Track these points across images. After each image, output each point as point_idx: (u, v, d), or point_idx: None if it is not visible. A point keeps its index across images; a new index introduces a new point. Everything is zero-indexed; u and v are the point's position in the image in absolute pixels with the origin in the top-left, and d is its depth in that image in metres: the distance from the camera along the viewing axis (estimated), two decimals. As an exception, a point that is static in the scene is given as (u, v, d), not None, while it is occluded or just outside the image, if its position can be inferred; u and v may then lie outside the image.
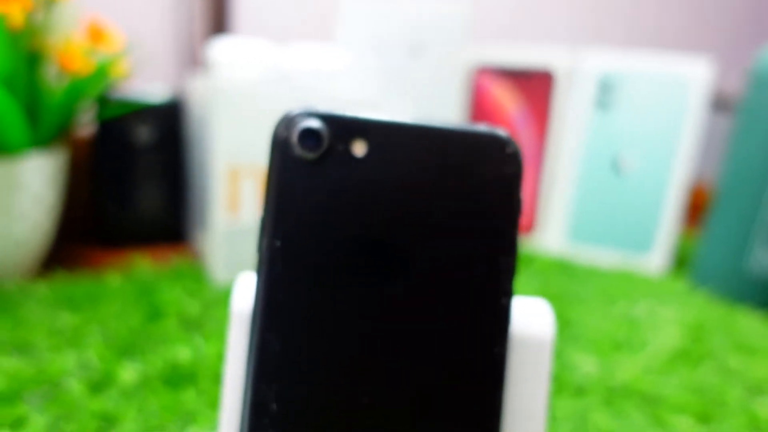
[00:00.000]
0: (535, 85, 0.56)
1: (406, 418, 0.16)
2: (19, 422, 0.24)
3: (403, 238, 0.16)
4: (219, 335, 0.32)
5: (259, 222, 0.16)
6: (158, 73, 0.55)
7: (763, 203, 0.46)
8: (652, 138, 0.53)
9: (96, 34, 0.38)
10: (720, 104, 0.69)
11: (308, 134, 0.15)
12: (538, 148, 0.58)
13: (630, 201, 0.55)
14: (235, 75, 0.41)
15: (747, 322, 0.44)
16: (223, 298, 0.37)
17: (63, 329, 0.32)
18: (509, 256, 0.16)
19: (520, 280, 0.47)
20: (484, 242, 0.16)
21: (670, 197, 0.54)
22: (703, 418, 0.30)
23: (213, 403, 0.26)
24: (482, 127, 0.16)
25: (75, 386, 0.27)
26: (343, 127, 0.16)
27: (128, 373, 0.28)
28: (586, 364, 0.35)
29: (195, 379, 0.28)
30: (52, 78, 0.38)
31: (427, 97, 0.54)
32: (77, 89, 0.38)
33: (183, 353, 0.30)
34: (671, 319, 0.43)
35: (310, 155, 0.16)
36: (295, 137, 0.15)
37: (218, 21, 0.55)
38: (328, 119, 0.16)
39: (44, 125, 0.37)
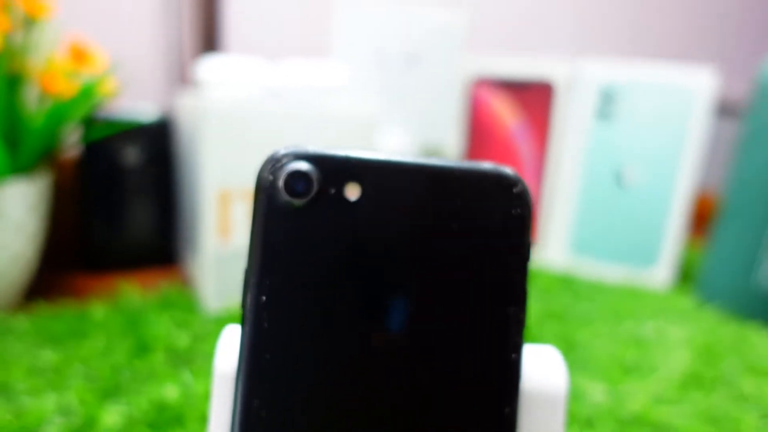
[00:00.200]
0: (534, 97, 0.55)
1: None
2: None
3: (403, 290, 0.14)
4: (208, 371, 0.31)
5: (243, 274, 0.15)
6: (147, 92, 0.54)
7: (772, 217, 0.45)
8: (655, 149, 0.52)
9: (79, 55, 0.37)
10: (725, 110, 0.68)
11: (296, 178, 0.14)
12: (538, 161, 0.56)
13: (634, 214, 0.54)
14: (225, 94, 0.39)
15: (759, 341, 0.42)
16: (213, 329, 0.36)
17: (44, 368, 0.30)
18: (518, 307, 0.15)
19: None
20: (491, 291, 0.14)
21: (674, 210, 0.52)
22: (720, 453, 0.28)
23: (200, 450, 0.25)
24: (487, 165, 0.15)
25: (54, 435, 0.25)
26: (334, 169, 0.14)
27: (111, 416, 0.27)
28: (595, 393, 0.34)
29: (182, 421, 0.27)
30: (34, 101, 0.37)
31: (423, 110, 0.53)
32: (60, 112, 0.37)
33: (170, 392, 0.29)
34: (680, 339, 0.41)
35: (299, 201, 0.14)
36: (281, 182, 0.14)
37: (208, 38, 0.53)
38: (318, 160, 0.14)
39: (25, 151, 0.36)
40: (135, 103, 0.50)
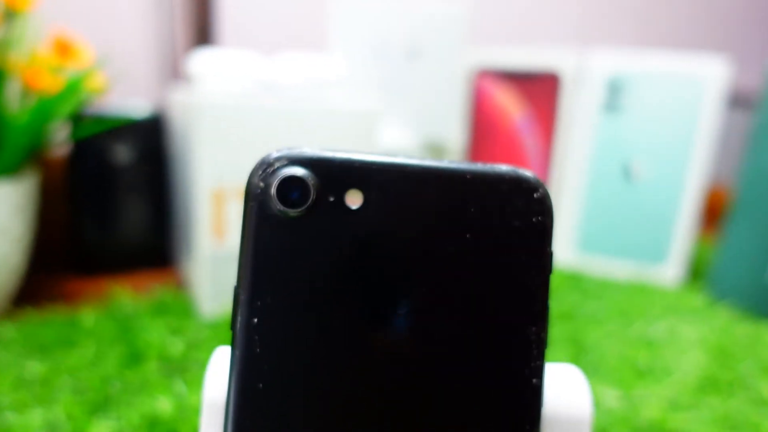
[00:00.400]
0: (539, 88, 0.53)
1: None
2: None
3: (411, 309, 0.13)
4: (203, 381, 0.29)
5: (232, 293, 0.13)
6: (138, 88, 0.52)
7: (789, 212, 0.43)
8: (665, 142, 0.50)
9: (63, 49, 0.35)
10: (737, 101, 0.66)
11: (291, 185, 0.13)
12: (544, 155, 0.55)
13: (642, 209, 0.52)
14: (218, 88, 0.37)
15: (775, 341, 0.41)
16: (209, 335, 0.34)
17: (30, 381, 0.29)
18: (540, 325, 0.13)
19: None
20: (510, 309, 0.13)
21: (685, 205, 0.51)
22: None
23: (194, 470, 0.23)
24: (504, 168, 0.13)
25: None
26: (334, 174, 0.13)
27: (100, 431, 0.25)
28: (608, 398, 0.32)
29: (176, 436, 0.25)
30: (17, 98, 0.35)
31: (425, 104, 0.51)
32: (45, 109, 0.35)
33: (163, 404, 0.27)
34: (693, 340, 0.40)
35: (294, 211, 0.13)
36: (274, 189, 0.12)
37: (202, 31, 0.52)
38: (315, 165, 0.13)
39: (9, 150, 0.34)
40: (126, 99, 0.48)
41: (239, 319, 0.13)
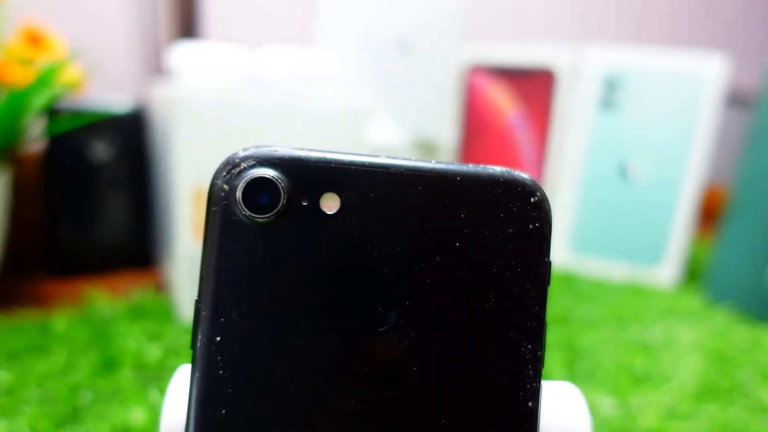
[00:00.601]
0: (534, 85, 0.52)
1: None
2: None
3: (394, 327, 0.12)
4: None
5: (193, 307, 0.12)
6: (121, 82, 0.50)
7: (788, 213, 0.42)
8: (661, 141, 0.50)
9: (34, 40, 0.33)
10: (735, 99, 0.65)
11: (259, 187, 0.11)
12: (538, 153, 0.53)
13: (638, 209, 0.51)
14: (200, 83, 0.36)
15: (774, 345, 0.40)
16: (188, 341, 0.33)
17: (-5, 390, 0.27)
18: (536, 342, 0.12)
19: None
20: (502, 325, 0.12)
21: (681, 205, 0.50)
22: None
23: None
24: (498, 169, 0.12)
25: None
26: (308, 176, 0.11)
27: (67, 447, 0.24)
28: (604, 407, 0.31)
29: (149, 450, 0.24)
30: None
31: (416, 100, 0.50)
32: (16, 102, 0.33)
33: (136, 415, 0.26)
34: (690, 344, 0.39)
35: (262, 216, 0.11)
36: (239, 192, 0.11)
37: (186, 24, 0.50)
38: (287, 165, 0.11)
39: (-23, 146, 0.32)
40: (108, 93, 0.46)
41: (200, 337, 0.11)
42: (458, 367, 0.12)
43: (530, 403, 0.12)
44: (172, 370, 0.30)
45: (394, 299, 0.11)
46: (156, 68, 0.51)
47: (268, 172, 0.11)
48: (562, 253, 0.54)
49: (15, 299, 0.38)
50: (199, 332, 0.11)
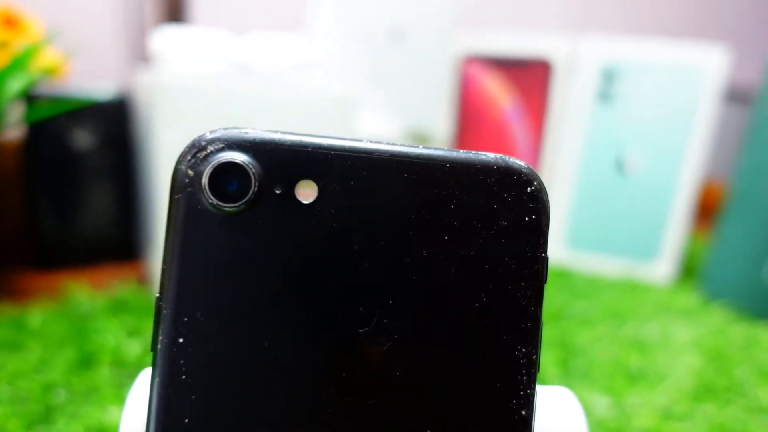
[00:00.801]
0: (530, 76, 0.51)
1: None
2: None
3: (376, 328, 0.11)
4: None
5: (154, 306, 0.11)
6: (106, 69, 0.49)
7: (787, 208, 0.42)
8: (659, 134, 0.49)
9: (10, 22, 0.32)
10: (734, 94, 0.64)
11: (227, 174, 0.10)
12: (533, 146, 0.52)
13: (635, 204, 0.50)
14: (184, 69, 0.34)
15: (771, 343, 0.39)
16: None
17: (-36, 389, 0.26)
18: (530, 345, 0.11)
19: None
20: (494, 326, 0.11)
21: (678, 200, 0.49)
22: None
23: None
24: (491, 156, 0.11)
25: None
26: (282, 161, 0.10)
27: (38, 449, 0.22)
28: (599, 407, 0.30)
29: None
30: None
31: (409, 90, 0.48)
32: (-9, 87, 0.32)
33: (112, 415, 0.25)
34: (687, 342, 0.38)
35: (230, 206, 0.10)
36: (205, 179, 0.10)
37: (172, 9, 0.48)
38: (259, 149, 0.10)
39: (-52, 132, 0.31)
40: (91, 80, 0.45)
41: (161, 338, 0.10)
42: (446, 372, 0.11)
43: (524, 411, 0.11)
44: (151, 367, 0.29)
45: (376, 298, 0.10)
46: (141, 54, 0.49)
47: (238, 157, 0.10)
48: (556, 248, 0.53)
49: (-9, 294, 0.37)
50: (160, 333, 0.10)
